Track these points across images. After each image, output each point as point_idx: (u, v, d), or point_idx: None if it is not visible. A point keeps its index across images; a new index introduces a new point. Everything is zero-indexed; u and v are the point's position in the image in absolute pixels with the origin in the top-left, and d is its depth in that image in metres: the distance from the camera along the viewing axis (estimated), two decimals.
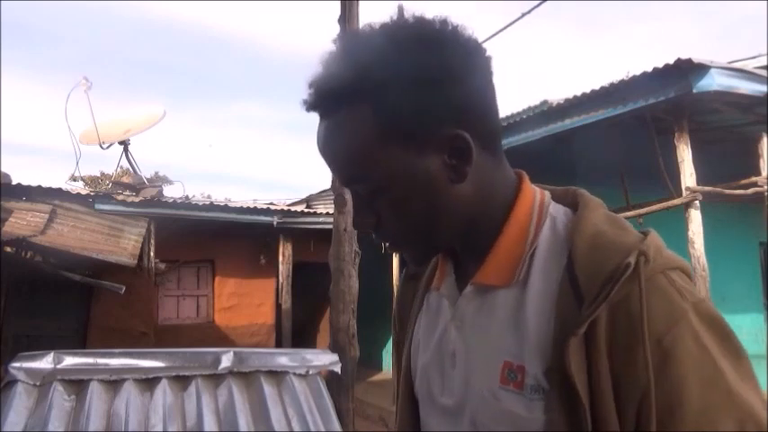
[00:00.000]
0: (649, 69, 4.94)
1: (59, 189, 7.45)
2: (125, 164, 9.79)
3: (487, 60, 0.71)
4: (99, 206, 7.54)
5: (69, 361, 2.43)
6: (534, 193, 0.75)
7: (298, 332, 8.93)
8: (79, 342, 7.24)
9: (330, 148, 0.70)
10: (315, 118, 0.72)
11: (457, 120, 0.67)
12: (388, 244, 0.75)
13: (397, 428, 0.88)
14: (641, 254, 0.62)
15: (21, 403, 2.23)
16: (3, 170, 7.24)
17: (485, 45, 0.73)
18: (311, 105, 0.69)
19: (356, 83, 0.65)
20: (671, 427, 0.59)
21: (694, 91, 4.71)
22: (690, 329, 0.61)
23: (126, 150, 9.50)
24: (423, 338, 0.83)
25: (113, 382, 2.42)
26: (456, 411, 0.74)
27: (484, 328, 0.72)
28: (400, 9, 0.69)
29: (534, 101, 6.74)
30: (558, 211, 0.73)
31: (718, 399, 0.59)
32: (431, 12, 0.69)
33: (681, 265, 0.66)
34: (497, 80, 0.73)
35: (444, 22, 0.68)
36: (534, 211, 0.73)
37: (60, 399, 2.29)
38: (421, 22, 0.68)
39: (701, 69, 4.69)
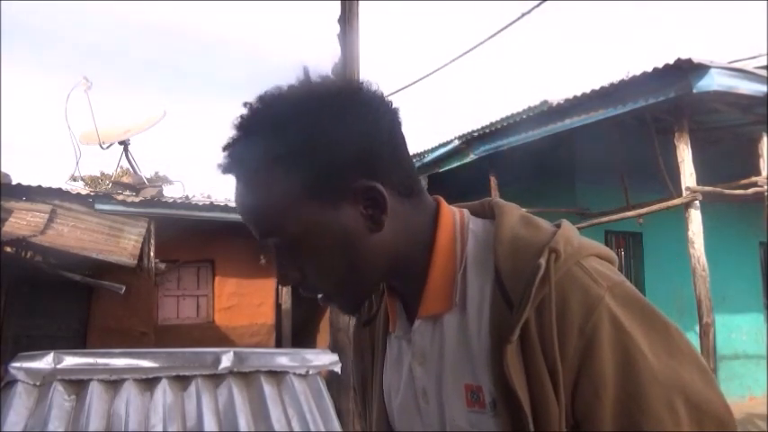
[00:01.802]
0: (649, 69, 4.94)
1: (59, 189, 7.45)
2: (125, 164, 9.80)
3: (394, 112, 0.74)
4: (99, 206, 7.54)
5: (69, 361, 2.43)
6: (453, 216, 0.76)
7: (298, 332, 8.93)
8: (79, 342, 7.24)
9: (246, 206, 0.72)
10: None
11: (367, 172, 0.69)
12: (319, 297, 0.76)
13: None
14: (552, 251, 0.65)
15: (21, 403, 2.23)
16: (3, 170, 7.24)
17: (390, 98, 0.75)
18: (225, 169, 0.71)
19: (265, 145, 0.68)
20: (599, 411, 0.61)
21: (694, 91, 4.71)
22: (607, 313, 0.63)
23: (126, 150, 9.50)
24: (393, 383, 0.83)
25: (113, 382, 2.42)
26: None
27: (440, 357, 0.73)
28: (305, 71, 0.71)
29: (534, 101, 6.75)
30: (477, 225, 0.76)
31: (641, 378, 0.60)
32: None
33: (596, 251, 0.69)
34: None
35: (349, 81, 0.73)
36: (456, 233, 0.75)
37: (60, 399, 2.29)
38: (326, 84, 0.71)
39: (701, 69, 4.69)
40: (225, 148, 0.71)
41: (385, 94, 0.75)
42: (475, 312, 0.69)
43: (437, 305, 0.73)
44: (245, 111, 0.71)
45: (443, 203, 0.78)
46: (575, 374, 0.62)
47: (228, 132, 0.71)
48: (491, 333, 0.67)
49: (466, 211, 0.78)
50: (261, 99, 0.70)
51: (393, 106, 0.74)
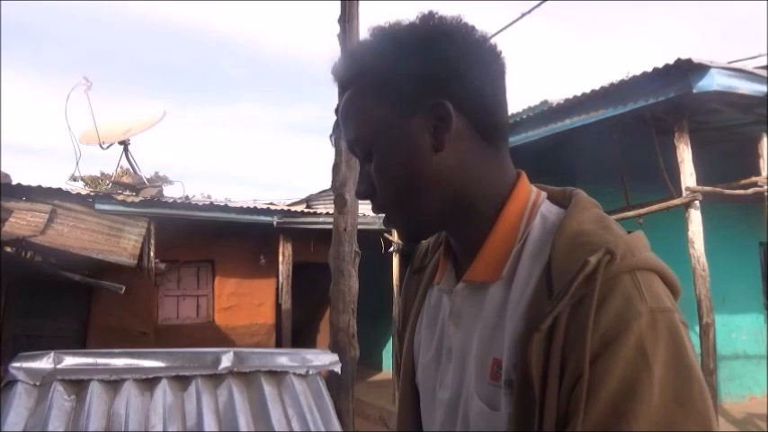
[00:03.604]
0: (649, 69, 4.94)
1: (59, 189, 7.45)
2: (125, 164, 9.81)
3: (495, 57, 0.76)
4: (99, 206, 7.54)
5: (69, 361, 2.43)
6: (529, 192, 0.77)
7: (298, 332, 8.93)
8: (79, 342, 7.25)
9: (341, 115, 0.79)
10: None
11: (445, 92, 0.72)
12: (383, 217, 0.79)
13: (398, 420, 0.91)
14: (608, 252, 0.63)
15: (21, 403, 2.23)
16: (3, 170, 7.24)
17: (498, 47, 0.78)
18: (339, 84, 0.79)
19: (364, 61, 0.76)
20: (584, 412, 0.58)
21: (694, 91, 4.71)
22: (637, 332, 0.59)
23: (126, 150, 9.50)
24: (425, 334, 0.86)
25: (113, 382, 2.42)
26: (451, 405, 0.76)
27: (476, 325, 0.74)
28: (431, 12, 0.77)
29: (534, 101, 6.75)
30: (551, 211, 0.75)
31: (636, 409, 0.57)
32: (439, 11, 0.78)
33: (657, 269, 0.66)
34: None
35: (465, 24, 0.76)
36: (526, 210, 0.75)
37: (60, 399, 2.29)
38: (435, 16, 0.75)
39: (701, 69, 4.69)
40: (342, 64, 0.79)
41: (496, 44, 0.78)
42: (518, 292, 0.69)
43: (485, 273, 0.73)
44: (367, 34, 0.78)
45: (523, 178, 0.79)
46: (579, 373, 0.60)
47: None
48: (524, 317, 0.66)
49: (544, 194, 0.78)
50: (378, 26, 0.77)
51: (500, 54, 0.77)
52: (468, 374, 0.73)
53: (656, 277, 0.65)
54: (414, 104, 0.73)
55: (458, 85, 0.73)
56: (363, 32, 0.78)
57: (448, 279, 0.81)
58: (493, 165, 0.76)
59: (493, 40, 0.77)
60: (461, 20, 0.76)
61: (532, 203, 0.75)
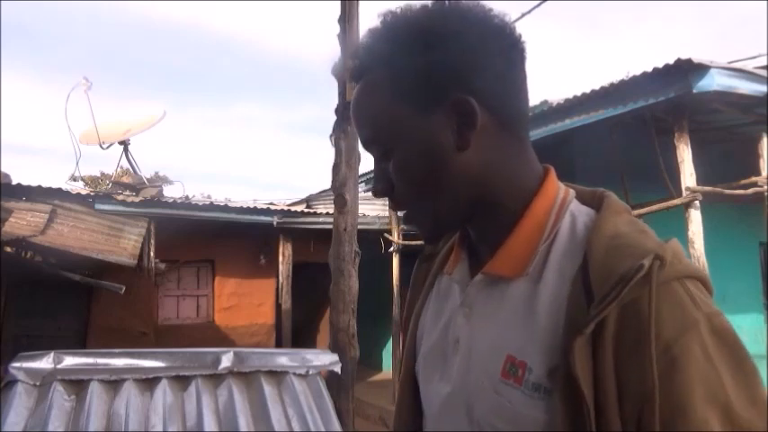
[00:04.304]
0: (649, 69, 4.94)
1: (59, 189, 7.44)
2: (125, 164, 9.80)
3: (518, 44, 0.73)
4: (99, 206, 7.54)
5: (69, 361, 2.43)
6: (558, 190, 0.75)
7: (298, 332, 8.93)
8: (79, 342, 7.24)
9: (354, 109, 0.75)
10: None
11: (467, 87, 0.69)
12: (403, 215, 0.77)
13: (396, 407, 0.89)
14: (657, 258, 0.61)
15: (21, 403, 2.23)
16: (3, 170, 7.24)
17: (515, 26, 0.74)
18: (349, 73, 0.76)
19: (379, 51, 0.71)
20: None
21: (694, 91, 4.71)
22: (699, 340, 0.59)
23: (126, 150, 9.50)
24: (430, 322, 0.84)
25: (113, 382, 2.42)
26: (453, 398, 0.74)
27: (491, 319, 0.71)
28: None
29: (534, 101, 6.74)
30: (580, 210, 0.73)
31: (718, 414, 0.57)
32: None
33: (699, 275, 0.65)
34: None
35: (480, 4, 0.72)
36: (555, 207, 0.72)
37: (60, 399, 2.29)
38: (452, 4, 0.72)
39: (701, 69, 4.69)
40: (352, 56, 0.75)
41: (514, 24, 0.74)
42: (549, 292, 0.67)
43: (508, 267, 0.71)
44: (377, 22, 0.73)
45: (552, 174, 0.76)
46: (648, 389, 0.58)
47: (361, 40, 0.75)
48: (560, 320, 0.64)
49: (573, 192, 0.76)
50: (391, 11, 0.73)
51: (519, 37, 0.73)
52: (477, 368, 0.71)
53: (699, 284, 0.64)
54: (435, 101, 0.69)
55: (480, 78, 0.69)
56: (365, 30, 0.75)
57: (461, 269, 0.78)
58: (519, 159, 0.74)
59: (511, 22, 0.73)
60: (482, 3, 0.72)
61: (561, 201, 0.73)
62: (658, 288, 0.60)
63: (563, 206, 0.73)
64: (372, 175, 0.77)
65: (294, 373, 2.67)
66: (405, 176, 0.72)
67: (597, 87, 5.46)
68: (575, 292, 0.64)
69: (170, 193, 10.28)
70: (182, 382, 2.52)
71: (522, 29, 0.74)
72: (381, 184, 0.74)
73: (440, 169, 0.70)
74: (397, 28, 0.71)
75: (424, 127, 0.69)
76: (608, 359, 0.60)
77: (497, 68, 0.70)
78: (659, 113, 5.41)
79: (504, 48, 0.71)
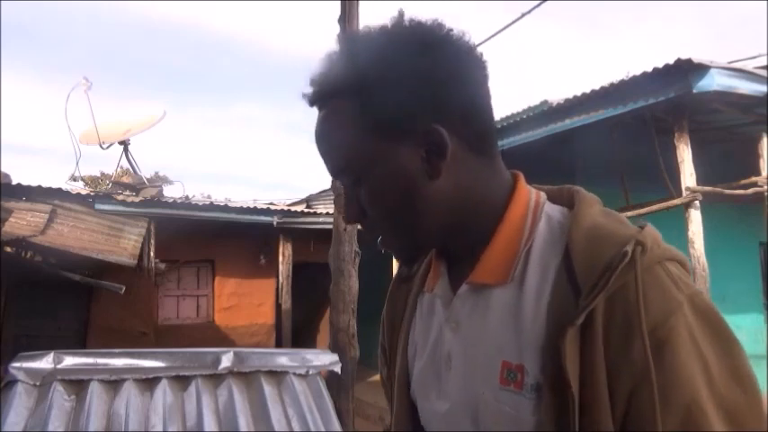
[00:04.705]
0: (649, 69, 4.94)
1: (59, 189, 7.44)
2: (125, 164, 9.80)
3: (479, 63, 0.72)
4: (99, 206, 7.54)
5: (69, 361, 2.43)
6: (529, 194, 0.75)
7: (298, 332, 8.93)
8: (79, 342, 7.25)
9: (319, 138, 0.73)
10: (314, 119, 0.75)
11: (435, 116, 0.68)
12: (378, 240, 0.76)
13: (394, 428, 0.87)
14: (638, 244, 0.63)
15: (21, 403, 2.23)
16: (3, 170, 7.24)
17: (480, 50, 0.74)
18: (309, 99, 0.73)
19: (343, 78, 0.69)
20: (663, 416, 0.59)
21: (694, 91, 4.71)
22: (684, 321, 0.61)
23: (126, 150, 9.50)
24: (419, 341, 0.83)
25: (113, 382, 2.42)
26: (454, 414, 0.73)
27: (480, 329, 0.71)
28: (400, 13, 0.71)
29: (534, 101, 6.74)
30: (553, 209, 0.74)
31: (706, 393, 0.59)
32: (431, 13, 0.72)
33: (678, 257, 0.67)
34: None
35: (439, 25, 0.71)
36: (529, 211, 0.73)
37: (60, 399, 2.29)
38: (413, 25, 0.71)
39: (701, 69, 4.69)
40: (310, 81, 0.72)
41: (476, 44, 0.73)
42: (533, 293, 0.67)
43: (491, 275, 0.71)
44: (333, 47, 0.72)
45: (522, 179, 0.77)
46: (636, 377, 0.60)
47: (317, 66, 0.73)
48: (549, 316, 0.65)
49: (543, 194, 0.77)
50: (349, 36, 0.72)
51: (480, 58, 0.73)
52: (475, 380, 0.71)
53: (678, 265, 0.66)
54: (405, 131, 0.68)
55: (450, 106, 0.69)
56: (323, 54, 0.71)
57: (442, 285, 0.78)
58: (490, 176, 0.74)
59: (472, 41, 0.72)
60: (440, 23, 0.70)
61: (534, 204, 0.74)
62: (642, 273, 0.61)
63: (537, 209, 0.73)
64: (344, 200, 0.76)
65: (294, 373, 2.67)
66: (377, 205, 0.71)
67: (597, 87, 5.46)
68: (560, 287, 0.65)
69: (170, 193, 10.29)
70: (182, 382, 2.52)
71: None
72: (354, 212, 0.74)
73: (412, 198, 0.70)
74: (359, 54, 0.69)
75: (394, 157, 0.69)
76: (598, 349, 0.61)
77: (466, 94, 0.70)
78: (659, 113, 5.41)
79: (470, 71, 0.71)
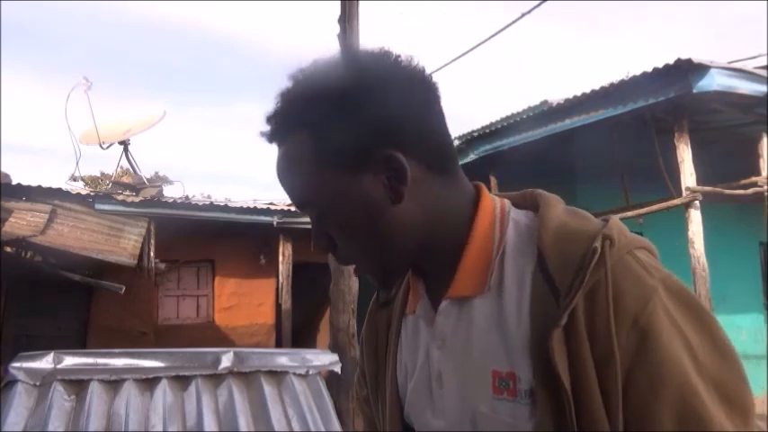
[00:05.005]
0: (649, 69, 4.94)
1: (59, 189, 7.45)
2: (125, 164, 9.81)
3: (429, 86, 0.74)
4: (99, 206, 7.54)
5: (69, 361, 2.43)
6: (494, 202, 0.77)
7: (298, 332, 8.93)
8: (79, 342, 7.25)
9: (281, 175, 0.75)
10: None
11: (392, 142, 0.69)
12: (353, 267, 0.77)
13: None
14: (606, 237, 0.64)
15: (21, 403, 2.23)
16: (3, 170, 7.25)
17: (430, 73, 0.76)
18: (267, 137, 0.75)
19: (297, 114, 0.71)
20: (656, 406, 0.60)
21: (694, 91, 4.71)
22: (662, 304, 0.62)
23: (126, 150, 9.50)
24: (408, 364, 0.82)
25: (113, 382, 2.43)
26: (453, 429, 0.73)
27: (466, 342, 0.72)
28: (348, 46, 0.73)
29: (534, 101, 6.75)
30: (519, 214, 0.75)
31: (694, 370, 0.60)
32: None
33: (644, 245, 0.69)
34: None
35: (387, 53, 0.73)
36: (496, 219, 0.74)
37: (60, 399, 2.29)
38: (360, 56, 0.73)
39: (701, 69, 4.69)
40: (267, 119, 0.74)
41: (424, 67, 0.75)
42: (513, 299, 0.68)
43: (469, 287, 0.72)
44: (288, 82, 0.73)
45: (485, 189, 0.78)
46: (627, 368, 0.61)
47: (273, 103, 0.74)
48: (532, 320, 0.66)
49: (507, 201, 0.78)
50: (301, 70, 0.72)
51: (431, 80, 0.74)
52: (469, 393, 0.71)
53: (645, 251, 0.68)
54: (362, 160, 0.69)
55: (404, 131, 0.70)
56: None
57: (423, 305, 0.79)
58: (452, 191, 0.75)
59: (420, 65, 0.74)
60: (387, 52, 0.72)
61: (500, 212, 0.75)
62: (614, 265, 0.63)
63: (503, 216, 0.75)
64: (311, 231, 0.77)
65: (294, 373, 2.67)
66: (345, 236, 0.73)
67: (597, 87, 5.47)
68: (538, 290, 0.66)
69: (170, 193, 10.27)
70: (182, 382, 2.52)
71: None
72: (322, 243, 0.76)
73: (378, 225, 0.71)
74: (312, 89, 0.71)
75: (355, 187, 0.70)
76: (584, 346, 0.62)
77: (419, 118, 0.72)
78: (659, 113, 5.41)
79: (421, 94, 0.73)
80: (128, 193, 8.62)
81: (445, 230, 0.74)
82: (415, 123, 0.71)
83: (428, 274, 0.79)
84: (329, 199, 0.71)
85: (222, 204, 9.00)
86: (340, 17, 4.46)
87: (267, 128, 0.74)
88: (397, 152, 0.69)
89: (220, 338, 8.58)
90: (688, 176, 5.13)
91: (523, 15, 6.20)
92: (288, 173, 0.74)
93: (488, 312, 0.70)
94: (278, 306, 9.15)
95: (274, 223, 8.46)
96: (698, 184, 5.13)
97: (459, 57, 6.93)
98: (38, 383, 2.32)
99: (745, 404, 0.62)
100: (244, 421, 2.40)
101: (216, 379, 2.56)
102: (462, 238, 0.74)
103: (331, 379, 3.75)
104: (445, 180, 0.74)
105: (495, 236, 0.73)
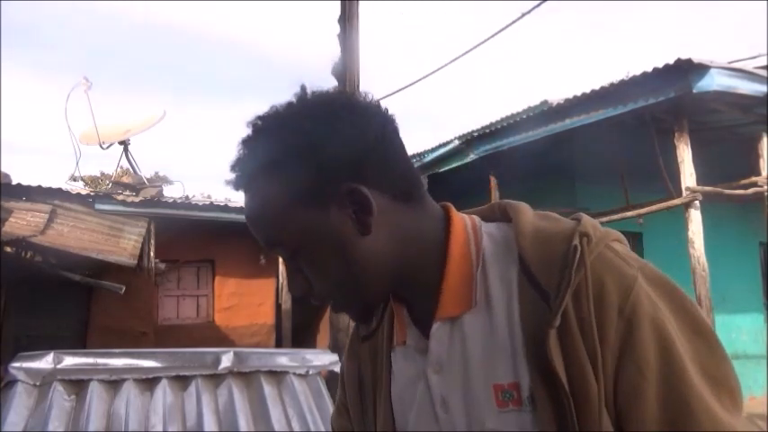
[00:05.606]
0: (649, 69, 4.94)
1: (59, 189, 7.45)
2: (125, 164, 9.82)
3: (386, 118, 0.76)
4: (99, 206, 7.54)
5: (69, 361, 2.43)
6: (464, 220, 0.78)
7: (298, 332, 8.93)
8: (79, 342, 7.24)
9: (250, 219, 0.76)
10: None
11: (354, 176, 0.71)
12: (330, 305, 0.78)
13: None
14: (583, 235, 0.67)
15: (21, 403, 2.23)
16: (3, 170, 7.25)
17: (384, 106, 0.78)
18: (234, 185, 0.76)
19: (259, 159, 0.73)
20: (645, 392, 0.62)
21: (694, 91, 4.71)
22: (643, 292, 0.65)
23: (126, 150, 9.51)
24: (406, 396, 0.80)
25: (113, 382, 2.43)
26: None
27: (462, 360, 0.72)
28: (302, 87, 0.75)
29: (534, 101, 6.75)
30: (490, 227, 0.77)
31: (681, 358, 0.63)
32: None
33: (617, 236, 0.72)
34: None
35: (341, 92, 0.79)
36: (470, 236, 0.75)
37: (60, 399, 2.29)
38: (317, 96, 0.75)
39: (701, 69, 4.69)
40: (231, 166, 0.75)
41: (379, 101, 0.78)
42: (502, 309, 0.69)
43: (456, 305, 0.72)
44: (248, 130, 0.75)
45: (453, 209, 0.79)
46: (617, 357, 0.63)
47: (235, 150, 0.76)
48: (524, 325, 0.67)
49: (476, 216, 0.79)
50: (260, 117, 0.74)
51: (387, 113, 0.76)
52: (474, 412, 0.70)
53: (619, 243, 0.71)
54: (327, 196, 0.71)
55: (364, 164, 0.71)
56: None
57: (412, 334, 0.78)
58: (421, 216, 0.76)
59: (375, 100, 0.77)
60: (341, 91, 0.76)
61: (472, 228, 0.76)
62: (594, 261, 0.66)
63: (476, 231, 0.76)
64: (286, 274, 0.78)
65: (294, 373, 2.67)
66: (318, 273, 0.73)
67: (597, 87, 5.47)
68: (526, 296, 0.68)
69: (170, 193, 10.27)
70: (182, 382, 2.52)
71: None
72: (299, 284, 0.76)
73: (350, 258, 0.72)
74: (272, 133, 0.73)
75: (323, 223, 0.71)
76: (578, 344, 0.63)
77: (378, 150, 0.73)
78: (659, 113, 5.41)
79: (378, 128, 0.74)
80: (128, 193, 8.63)
81: (420, 256, 0.75)
82: (375, 156, 0.72)
83: (411, 302, 0.79)
84: (299, 235, 0.72)
85: (222, 204, 8.99)
86: (340, 17, 4.46)
87: (231, 176, 0.76)
88: (359, 185, 0.70)
89: (220, 338, 8.58)
90: (688, 176, 5.13)
91: (523, 15, 6.20)
92: (256, 215, 0.75)
93: (480, 326, 0.71)
94: (278, 306, 9.15)
95: None
96: (698, 184, 5.13)
97: (460, 57, 6.93)
98: (38, 383, 2.32)
99: (730, 383, 0.64)
100: (244, 421, 2.40)
101: (216, 379, 2.56)
102: (439, 259, 0.74)
103: (331, 379, 3.74)
104: (412, 207, 0.75)
105: (471, 251, 0.74)
